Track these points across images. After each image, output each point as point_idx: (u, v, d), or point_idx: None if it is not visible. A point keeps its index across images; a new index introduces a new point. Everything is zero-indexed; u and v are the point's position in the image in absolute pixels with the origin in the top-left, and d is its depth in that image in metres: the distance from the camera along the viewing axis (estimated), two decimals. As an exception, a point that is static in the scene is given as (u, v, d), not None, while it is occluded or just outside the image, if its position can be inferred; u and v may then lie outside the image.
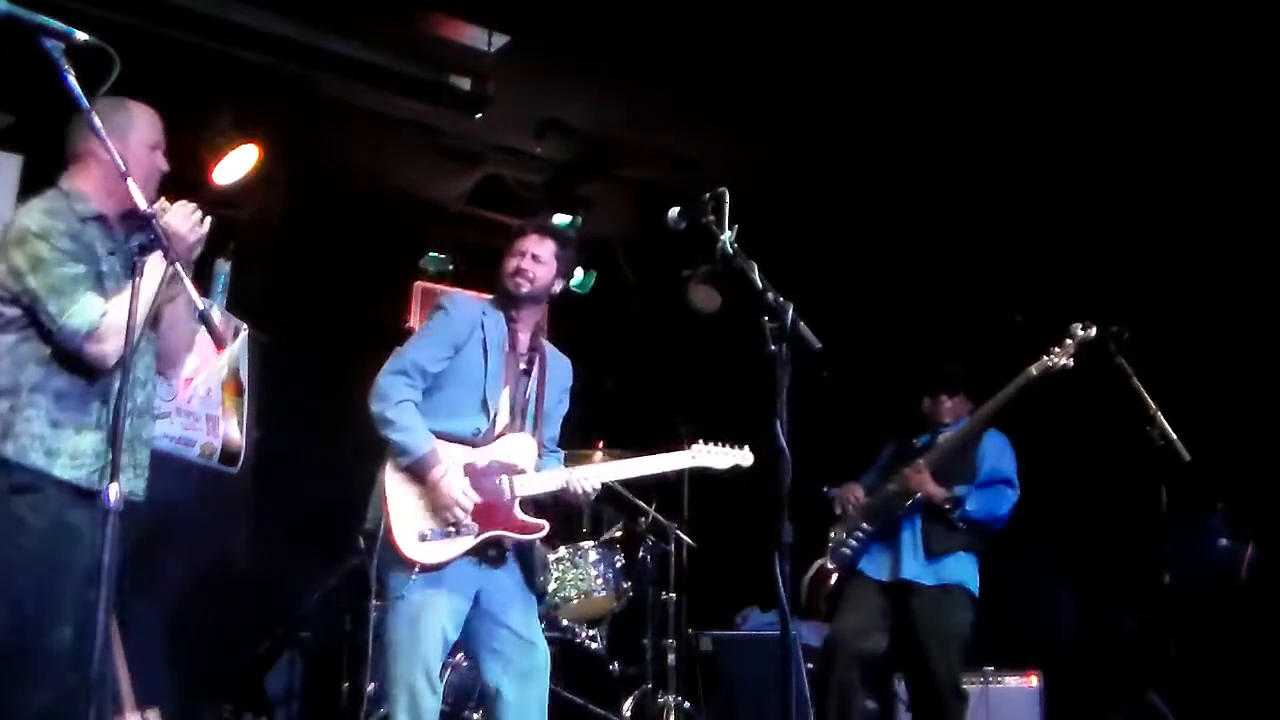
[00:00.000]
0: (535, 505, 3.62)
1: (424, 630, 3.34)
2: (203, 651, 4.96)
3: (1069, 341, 4.19)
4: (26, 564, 2.72)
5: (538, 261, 3.65)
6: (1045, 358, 4.22)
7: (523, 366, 3.68)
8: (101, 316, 2.78)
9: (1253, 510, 5.44)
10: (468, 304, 3.68)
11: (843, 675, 4.38)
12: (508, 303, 3.68)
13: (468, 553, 3.45)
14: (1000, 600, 4.67)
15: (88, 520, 2.67)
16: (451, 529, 3.41)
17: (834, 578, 4.68)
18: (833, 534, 4.74)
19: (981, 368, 4.74)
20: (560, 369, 3.82)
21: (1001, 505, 4.49)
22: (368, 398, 3.47)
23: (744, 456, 3.85)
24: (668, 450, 3.84)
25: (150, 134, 3.06)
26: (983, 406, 4.41)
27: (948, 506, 4.44)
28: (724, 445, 3.85)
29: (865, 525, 4.61)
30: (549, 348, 3.81)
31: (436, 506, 3.40)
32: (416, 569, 3.35)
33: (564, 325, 7.60)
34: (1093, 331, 4.17)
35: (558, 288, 3.75)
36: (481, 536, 3.46)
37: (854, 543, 4.62)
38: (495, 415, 3.58)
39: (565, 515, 5.57)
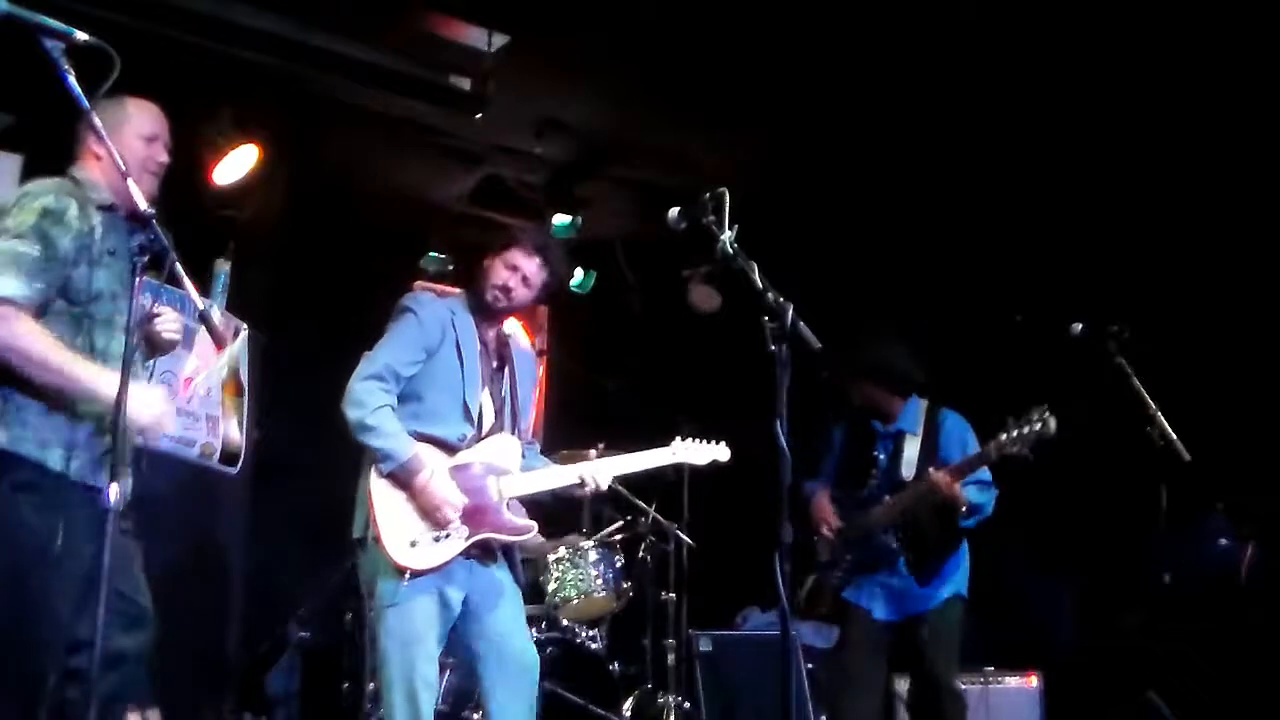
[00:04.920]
0: (532, 503, 3.61)
1: (417, 635, 3.33)
2: (203, 651, 4.96)
3: (1029, 430, 4.07)
4: (31, 561, 2.69)
5: (526, 284, 3.59)
6: (1004, 437, 4.11)
7: (495, 364, 3.65)
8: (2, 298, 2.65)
9: (1253, 510, 5.43)
10: (435, 305, 3.59)
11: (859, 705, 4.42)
12: (480, 307, 3.62)
13: (457, 555, 3.43)
14: (1000, 600, 4.66)
15: (85, 517, 2.63)
16: (441, 533, 3.39)
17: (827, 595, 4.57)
18: (818, 549, 4.61)
19: (980, 368, 4.70)
20: (527, 362, 3.81)
21: (990, 502, 4.42)
22: (342, 404, 3.40)
23: (721, 452, 3.92)
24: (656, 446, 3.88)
25: (145, 125, 3.01)
26: (944, 472, 4.26)
27: (964, 510, 4.32)
28: (703, 441, 3.90)
29: (848, 556, 4.51)
30: (512, 338, 3.78)
31: (425, 511, 3.37)
32: (407, 574, 3.33)
33: (564, 325, 7.68)
34: (1052, 425, 4.05)
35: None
36: (471, 539, 3.44)
37: (840, 573, 4.53)
38: (479, 419, 3.55)
39: (565, 515, 5.60)
